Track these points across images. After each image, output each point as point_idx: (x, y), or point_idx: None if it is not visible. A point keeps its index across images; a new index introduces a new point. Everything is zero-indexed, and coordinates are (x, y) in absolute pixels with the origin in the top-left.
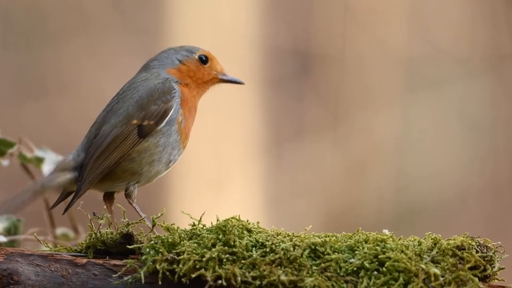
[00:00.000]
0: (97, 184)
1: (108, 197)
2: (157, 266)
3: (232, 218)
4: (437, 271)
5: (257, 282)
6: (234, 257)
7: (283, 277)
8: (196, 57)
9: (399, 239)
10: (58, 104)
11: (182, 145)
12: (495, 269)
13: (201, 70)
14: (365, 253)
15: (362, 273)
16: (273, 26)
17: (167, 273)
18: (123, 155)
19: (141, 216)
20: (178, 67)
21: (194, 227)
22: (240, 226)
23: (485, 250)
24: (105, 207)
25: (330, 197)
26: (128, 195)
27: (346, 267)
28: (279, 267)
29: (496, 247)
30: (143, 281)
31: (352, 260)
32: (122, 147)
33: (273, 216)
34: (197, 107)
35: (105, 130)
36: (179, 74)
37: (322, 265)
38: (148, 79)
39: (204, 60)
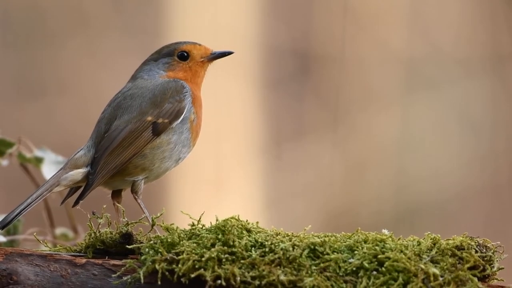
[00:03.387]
0: (108, 181)
1: (116, 195)
2: (157, 266)
3: (232, 218)
4: (437, 271)
5: (257, 282)
6: (234, 257)
7: (282, 277)
8: (176, 58)
9: (399, 239)
10: (57, 104)
11: (192, 143)
12: (495, 269)
13: (186, 67)
14: (365, 253)
15: (361, 273)
16: (273, 27)
17: (167, 273)
18: (137, 152)
19: (144, 213)
20: (167, 74)
21: (194, 227)
22: (240, 226)
23: (484, 250)
24: (105, 206)
25: (330, 197)
26: (134, 191)
27: (346, 267)
28: (278, 267)
29: (496, 247)
30: (142, 281)
31: (351, 260)
32: (136, 144)
33: (273, 216)
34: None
35: (117, 125)
36: (173, 77)
37: (322, 265)
38: (152, 79)
39: (185, 56)
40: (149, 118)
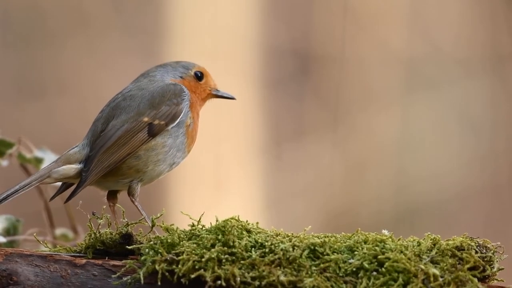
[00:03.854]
0: (100, 180)
1: (111, 197)
2: (157, 267)
3: (232, 218)
4: (437, 271)
5: (256, 283)
6: (234, 258)
7: (282, 278)
8: (192, 73)
9: (399, 240)
10: (57, 104)
11: (187, 149)
12: (495, 269)
13: (198, 86)
14: (365, 253)
15: (361, 274)
16: (273, 27)
17: (166, 273)
18: (131, 152)
19: (142, 215)
20: (180, 81)
21: (194, 227)
22: (240, 226)
23: (484, 251)
24: (104, 207)
25: (330, 197)
26: (131, 193)
27: (346, 267)
28: (278, 268)
29: (496, 248)
30: (142, 281)
31: (351, 260)
32: (131, 143)
33: (273, 217)
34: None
35: (114, 124)
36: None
37: (322, 265)
38: (157, 81)
39: (199, 76)
40: (146, 119)
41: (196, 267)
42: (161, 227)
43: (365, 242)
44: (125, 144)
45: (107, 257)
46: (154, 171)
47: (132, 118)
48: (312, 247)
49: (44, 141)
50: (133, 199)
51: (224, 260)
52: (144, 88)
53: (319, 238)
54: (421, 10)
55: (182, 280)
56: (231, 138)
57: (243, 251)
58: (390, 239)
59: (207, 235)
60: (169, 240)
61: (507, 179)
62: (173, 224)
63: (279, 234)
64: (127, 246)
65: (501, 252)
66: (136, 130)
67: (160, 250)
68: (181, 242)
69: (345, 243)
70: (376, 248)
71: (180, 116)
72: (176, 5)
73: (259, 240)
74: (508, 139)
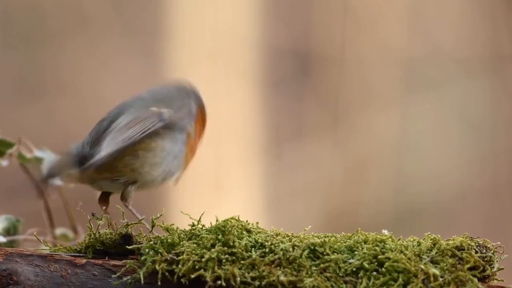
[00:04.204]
0: (96, 176)
1: (104, 200)
2: (157, 267)
3: (232, 218)
4: (437, 271)
5: (257, 283)
6: (234, 258)
7: (282, 278)
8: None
9: (399, 240)
10: (57, 104)
11: (185, 160)
12: (495, 269)
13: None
14: (365, 253)
15: (361, 274)
16: (273, 27)
17: (167, 273)
18: (144, 131)
19: (138, 218)
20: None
21: (194, 227)
22: (240, 226)
23: (484, 251)
24: (104, 207)
25: (330, 197)
26: (124, 198)
27: (346, 267)
28: (278, 268)
29: (496, 248)
30: (142, 281)
31: (351, 260)
32: (142, 124)
33: (273, 217)
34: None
35: (123, 118)
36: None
37: (322, 265)
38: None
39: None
40: (156, 109)
41: (196, 267)
42: (161, 227)
43: (365, 242)
44: (136, 125)
45: (107, 257)
46: (149, 175)
47: (142, 109)
48: (312, 247)
49: (44, 141)
50: (126, 204)
51: (224, 260)
52: (153, 91)
53: (319, 238)
54: (421, 10)
55: (182, 280)
56: (231, 138)
57: (243, 251)
58: (390, 239)
59: (207, 235)
60: (169, 240)
61: (507, 179)
62: (173, 224)
63: (279, 234)
64: (127, 247)
65: (501, 252)
66: (147, 116)
67: (160, 250)
68: (181, 242)
69: (345, 243)
70: (376, 248)
71: (191, 111)
72: (176, 5)
73: (259, 240)
74: (508, 139)
